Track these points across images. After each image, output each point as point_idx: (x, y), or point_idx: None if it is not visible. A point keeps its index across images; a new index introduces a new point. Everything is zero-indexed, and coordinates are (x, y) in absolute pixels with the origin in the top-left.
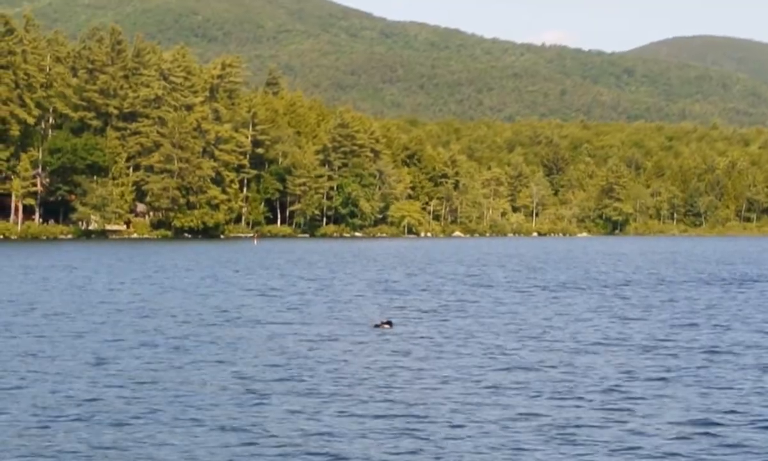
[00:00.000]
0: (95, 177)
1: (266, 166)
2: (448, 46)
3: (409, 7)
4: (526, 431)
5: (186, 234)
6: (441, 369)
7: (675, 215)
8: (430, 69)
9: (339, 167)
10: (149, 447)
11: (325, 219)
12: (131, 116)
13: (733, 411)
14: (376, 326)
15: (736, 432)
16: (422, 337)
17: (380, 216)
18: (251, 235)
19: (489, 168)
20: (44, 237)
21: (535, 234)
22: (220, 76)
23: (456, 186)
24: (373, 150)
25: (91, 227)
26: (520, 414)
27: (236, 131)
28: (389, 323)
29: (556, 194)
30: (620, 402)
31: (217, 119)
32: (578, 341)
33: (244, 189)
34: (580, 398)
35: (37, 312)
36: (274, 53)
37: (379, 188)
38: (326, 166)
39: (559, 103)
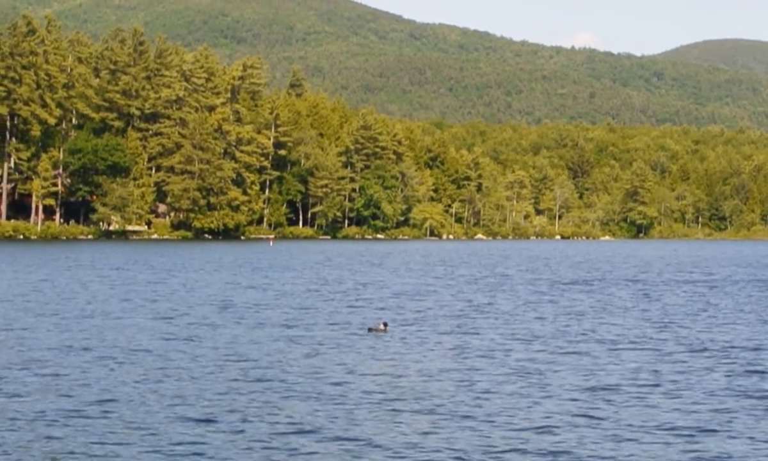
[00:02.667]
0: (116, 178)
1: (288, 167)
2: (477, 48)
3: (438, 9)
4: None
5: (206, 235)
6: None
7: (700, 218)
8: (458, 71)
9: (361, 169)
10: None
11: (346, 221)
12: (153, 117)
13: None
14: (370, 329)
15: None
16: (415, 341)
17: (402, 218)
18: (269, 237)
19: (513, 171)
20: (64, 237)
21: (558, 237)
22: (241, 78)
23: (479, 189)
24: (395, 152)
25: (111, 228)
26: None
27: (258, 132)
28: (385, 325)
29: (580, 197)
30: None
31: (239, 120)
32: None
33: (266, 190)
34: None
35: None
36: (303, 55)
37: (402, 190)
38: (348, 168)
39: (588, 106)
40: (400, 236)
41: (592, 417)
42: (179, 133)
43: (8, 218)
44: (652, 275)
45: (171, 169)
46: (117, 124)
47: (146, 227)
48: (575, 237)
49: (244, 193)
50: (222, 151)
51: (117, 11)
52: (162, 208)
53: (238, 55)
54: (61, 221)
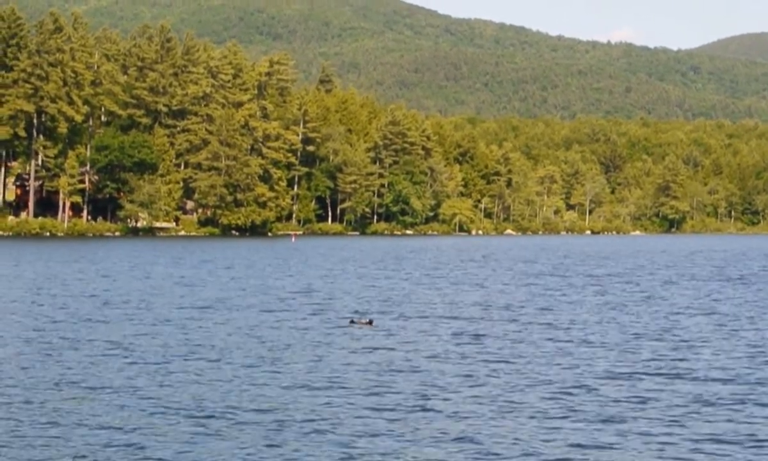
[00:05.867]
0: (143, 174)
1: (317, 163)
2: (513, 43)
3: (474, 4)
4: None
5: (233, 232)
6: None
7: (732, 213)
8: (494, 66)
9: (390, 165)
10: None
11: (375, 217)
12: (180, 114)
13: None
14: (352, 322)
15: None
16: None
17: (431, 214)
18: (291, 233)
19: (544, 166)
20: (90, 235)
21: (588, 232)
22: (268, 74)
23: (509, 184)
24: (424, 147)
25: (139, 225)
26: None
27: (287, 128)
28: (370, 322)
29: (613, 192)
30: None
31: (265, 116)
32: None
33: (295, 187)
34: None
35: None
36: (339, 51)
37: (431, 186)
38: (377, 163)
39: (624, 100)
40: (429, 232)
41: None
42: (206, 129)
43: (35, 215)
44: None
45: (198, 165)
46: (144, 121)
47: (174, 224)
48: (606, 232)
49: (271, 189)
50: (249, 147)
51: (152, 8)
52: (190, 205)
53: (273, 51)
54: (89, 218)
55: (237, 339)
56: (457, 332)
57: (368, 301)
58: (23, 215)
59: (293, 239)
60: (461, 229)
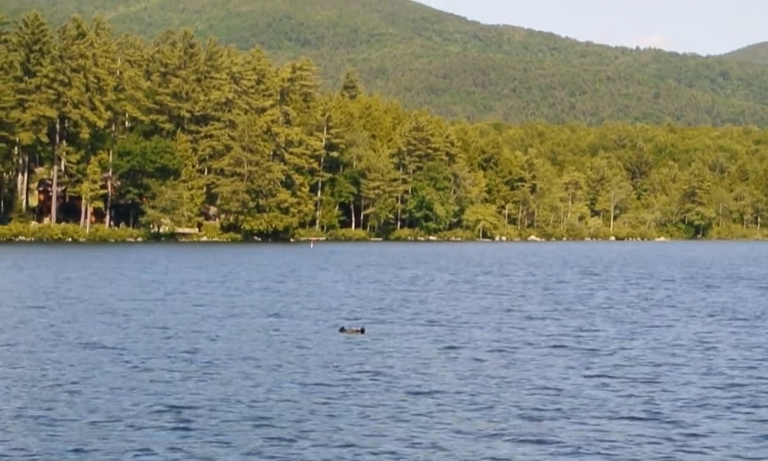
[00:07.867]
0: (165, 180)
1: (341, 169)
2: (542, 49)
3: (502, 10)
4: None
5: (255, 237)
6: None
7: (759, 219)
8: (522, 72)
9: (414, 171)
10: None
11: (399, 223)
12: (202, 119)
13: None
14: (342, 330)
15: None
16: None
17: (455, 220)
18: (310, 239)
19: (569, 172)
20: (112, 240)
21: (612, 238)
22: (291, 80)
23: (533, 190)
24: (448, 153)
25: (161, 230)
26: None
27: (311, 134)
28: (362, 330)
29: (638, 198)
30: None
31: (288, 122)
32: None
33: (318, 192)
34: None
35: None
36: (367, 57)
37: (454, 192)
38: (401, 169)
39: (653, 106)
40: (453, 238)
41: None
42: (229, 135)
43: (58, 220)
44: None
45: (220, 171)
46: (167, 126)
47: (196, 229)
48: (630, 238)
49: (294, 195)
50: (271, 153)
51: (181, 14)
52: (212, 210)
53: (302, 57)
54: (111, 223)
55: (226, 345)
56: (449, 341)
57: (362, 308)
58: (46, 220)
59: (312, 245)
60: (485, 235)
